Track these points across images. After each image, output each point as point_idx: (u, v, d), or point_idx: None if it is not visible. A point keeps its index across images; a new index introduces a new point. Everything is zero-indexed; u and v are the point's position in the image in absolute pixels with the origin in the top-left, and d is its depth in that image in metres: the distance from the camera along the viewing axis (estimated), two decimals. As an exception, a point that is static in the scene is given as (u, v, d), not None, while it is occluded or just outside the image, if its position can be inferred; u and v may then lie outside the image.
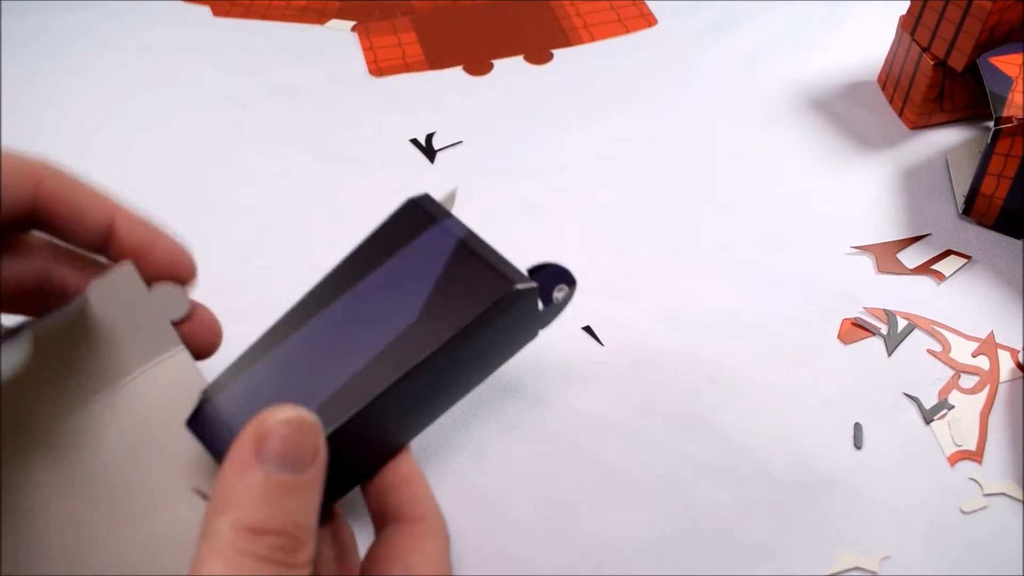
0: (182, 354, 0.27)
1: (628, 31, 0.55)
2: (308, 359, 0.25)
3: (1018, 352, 0.36)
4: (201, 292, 0.40)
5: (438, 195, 0.29)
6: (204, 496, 0.25)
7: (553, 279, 0.29)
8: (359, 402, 0.24)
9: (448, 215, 0.28)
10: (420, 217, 0.28)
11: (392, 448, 0.27)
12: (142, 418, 0.25)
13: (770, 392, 0.35)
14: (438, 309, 0.25)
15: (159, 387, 0.26)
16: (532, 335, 0.29)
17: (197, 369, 0.27)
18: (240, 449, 0.21)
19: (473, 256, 0.26)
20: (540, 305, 0.28)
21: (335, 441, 0.24)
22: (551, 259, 0.29)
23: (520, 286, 0.26)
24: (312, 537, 0.22)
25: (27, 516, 0.23)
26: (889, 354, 0.36)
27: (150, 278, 0.27)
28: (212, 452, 0.25)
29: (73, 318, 0.25)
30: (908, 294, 0.39)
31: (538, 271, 0.29)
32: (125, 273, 0.26)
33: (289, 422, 0.22)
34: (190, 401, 0.25)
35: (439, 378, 0.26)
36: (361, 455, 0.26)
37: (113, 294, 0.26)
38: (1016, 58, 0.41)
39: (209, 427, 0.25)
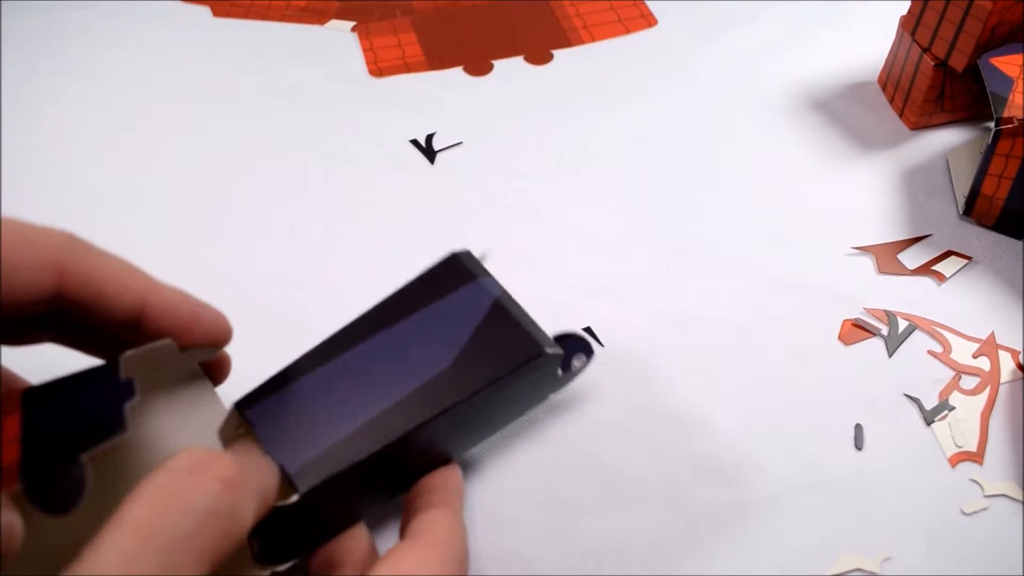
0: (211, 395, 0.27)
1: (628, 31, 0.55)
2: (341, 388, 0.26)
3: (1019, 353, 0.36)
4: (201, 292, 0.39)
5: (476, 252, 0.31)
6: None
7: (574, 348, 0.31)
8: (389, 436, 0.26)
9: (486, 274, 0.30)
10: (461, 271, 0.29)
11: (408, 478, 0.28)
12: (168, 450, 0.25)
13: (770, 392, 0.35)
14: (471, 360, 0.27)
15: (187, 425, 0.26)
16: (543, 398, 0.31)
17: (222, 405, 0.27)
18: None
19: (507, 316, 0.28)
20: (559, 372, 0.30)
21: (363, 468, 0.25)
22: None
23: (549, 351, 0.28)
24: (235, 468, 0.22)
25: (48, 551, 0.23)
26: (890, 355, 0.36)
27: (185, 347, 0.26)
28: None
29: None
30: (909, 295, 0.39)
31: (562, 339, 0.30)
32: (164, 348, 0.25)
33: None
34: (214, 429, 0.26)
35: (460, 423, 0.28)
36: (380, 483, 0.28)
37: (149, 365, 0.25)
38: (1017, 58, 0.41)
39: None
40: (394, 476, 0.28)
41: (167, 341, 0.25)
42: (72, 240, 0.24)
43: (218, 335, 0.26)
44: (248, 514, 0.22)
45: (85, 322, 0.25)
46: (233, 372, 0.29)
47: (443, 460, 0.29)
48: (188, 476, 0.21)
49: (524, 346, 0.28)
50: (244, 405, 0.26)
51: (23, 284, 0.22)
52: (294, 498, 0.24)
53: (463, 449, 0.31)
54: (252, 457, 0.24)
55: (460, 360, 0.27)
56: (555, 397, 0.35)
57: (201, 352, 0.26)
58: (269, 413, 0.26)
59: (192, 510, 0.20)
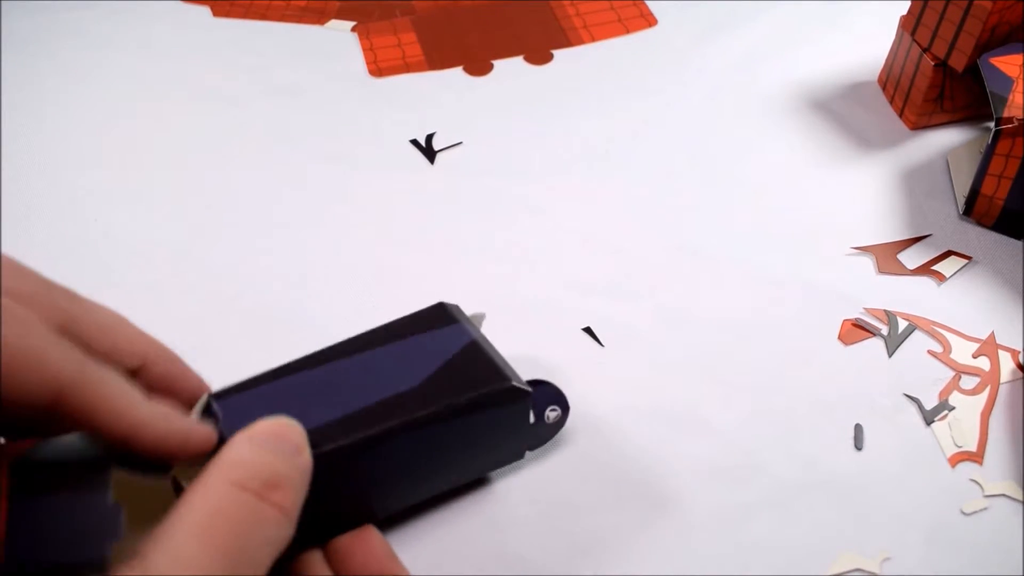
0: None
1: (628, 31, 0.55)
2: (306, 397, 0.27)
3: (1019, 353, 0.36)
4: (201, 292, 0.40)
5: (468, 312, 0.31)
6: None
7: (548, 398, 0.31)
8: (341, 440, 0.26)
9: (469, 322, 0.30)
10: (444, 317, 0.30)
11: (365, 513, 0.29)
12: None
13: (770, 392, 0.35)
14: (438, 384, 0.28)
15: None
16: (519, 453, 0.31)
17: None
18: (234, 437, 0.24)
19: (482, 353, 0.29)
20: (532, 418, 0.30)
21: (316, 470, 0.25)
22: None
23: (516, 384, 0.28)
24: (293, 497, 0.23)
25: None
26: (890, 355, 0.36)
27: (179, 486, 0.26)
28: None
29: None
30: (909, 295, 0.39)
31: (536, 384, 0.30)
32: (159, 485, 0.25)
33: (278, 420, 0.24)
34: None
35: (423, 449, 0.28)
36: (336, 500, 0.27)
37: (138, 490, 0.25)
38: (1017, 58, 0.41)
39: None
40: (356, 497, 0.28)
41: (166, 482, 0.25)
42: (80, 368, 0.23)
43: (200, 456, 0.25)
44: (292, 531, 0.23)
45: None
46: (233, 371, 0.29)
47: (410, 496, 0.30)
48: (258, 501, 0.22)
49: (491, 377, 0.28)
50: (216, 397, 0.27)
51: (17, 400, 0.22)
52: None
53: (432, 488, 0.30)
54: (300, 477, 0.25)
55: (427, 383, 0.28)
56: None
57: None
58: (236, 408, 0.27)
59: (264, 538, 0.22)
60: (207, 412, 0.27)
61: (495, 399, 0.28)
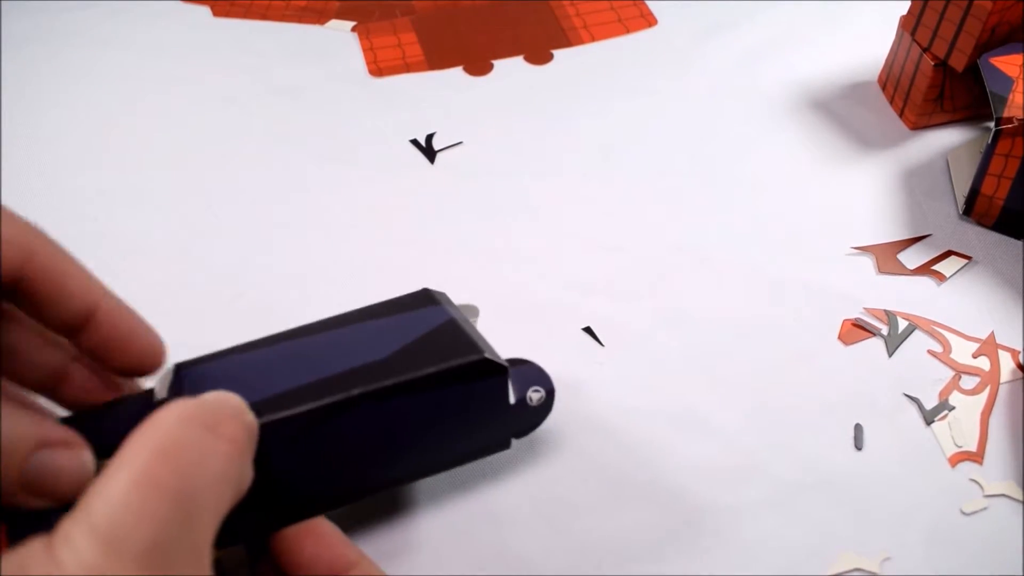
0: None
1: (628, 31, 0.55)
2: (274, 367, 0.26)
3: (1019, 353, 0.36)
4: (201, 292, 0.40)
5: (459, 302, 0.30)
6: None
7: (530, 378, 0.29)
8: (299, 406, 0.25)
9: (452, 307, 0.29)
10: (426, 300, 0.29)
11: (332, 496, 0.27)
12: None
13: (770, 392, 0.35)
14: (407, 357, 0.26)
15: None
16: (504, 442, 0.29)
17: None
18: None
19: (459, 331, 0.27)
20: (512, 398, 0.28)
21: (272, 438, 0.24)
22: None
23: (490, 356, 0.26)
24: (245, 431, 0.22)
25: None
26: (890, 355, 0.36)
27: (120, 369, 0.26)
28: None
29: None
30: (909, 295, 0.39)
31: (516, 362, 0.29)
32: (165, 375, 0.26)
33: (216, 392, 0.23)
34: None
35: (389, 426, 0.26)
36: (296, 479, 0.26)
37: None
38: (1017, 58, 0.41)
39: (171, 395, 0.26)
40: (319, 478, 0.27)
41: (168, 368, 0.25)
42: (42, 232, 0.24)
43: (150, 359, 0.26)
44: (248, 478, 0.22)
45: (32, 312, 0.25)
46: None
47: (383, 482, 0.28)
48: (205, 434, 0.21)
49: (466, 351, 0.26)
50: (182, 368, 0.27)
51: None
52: None
53: (408, 473, 0.28)
54: (249, 424, 0.23)
55: (395, 356, 0.26)
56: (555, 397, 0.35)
57: None
58: (201, 377, 0.26)
59: (215, 475, 0.20)
60: (173, 382, 0.26)
61: (467, 372, 0.26)
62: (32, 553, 0.19)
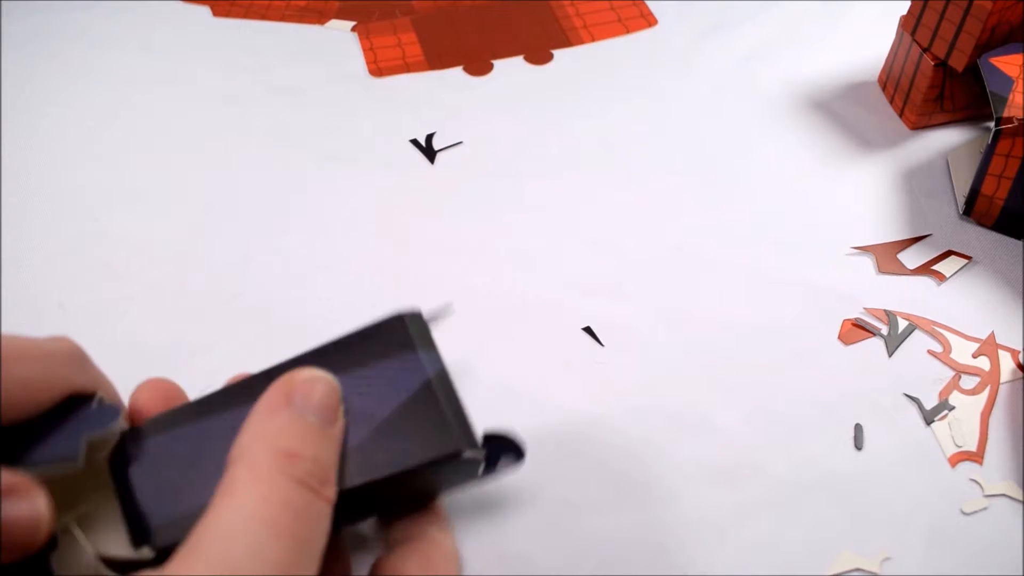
0: None
1: (628, 31, 0.55)
2: (219, 450, 0.24)
3: (1018, 353, 0.36)
4: (201, 292, 0.40)
5: (431, 306, 0.28)
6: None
7: (502, 449, 0.28)
8: None
9: (430, 345, 0.27)
10: (402, 338, 0.26)
11: None
12: None
13: (770, 392, 0.35)
14: (381, 442, 0.25)
15: None
16: (460, 490, 0.29)
17: None
18: (268, 399, 0.23)
19: (434, 402, 0.25)
20: (481, 471, 0.27)
21: None
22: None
23: (467, 454, 0.25)
24: (333, 487, 0.23)
25: None
26: (890, 355, 0.36)
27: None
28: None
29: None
30: (909, 295, 0.39)
31: (492, 440, 0.27)
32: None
33: (315, 378, 0.24)
34: None
35: (356, 502, 0.25)
36: None
37: None
38: (1016, 58, 0.41)
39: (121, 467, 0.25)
40: None
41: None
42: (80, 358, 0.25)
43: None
44: None
45: None
46: (233, 371, 0.29)
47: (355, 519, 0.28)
48: (315, 498, 0.22)
49: (443, 442, 0.25)
50: (131, 437, 0.25)
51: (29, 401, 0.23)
52: (146, 551, 0.23)
53: (363, 519, 0.29)
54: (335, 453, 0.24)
55: (368, 442, 0.25)
56: (555, 397, 0.35)
57: None
58: (152, 453, 0.25)
59: (321, 532, 0.22)
60: (115, 455, 0.25)
61: (443, 464, 0.25)
62: None
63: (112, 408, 0.25)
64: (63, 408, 0.24)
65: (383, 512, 0.27)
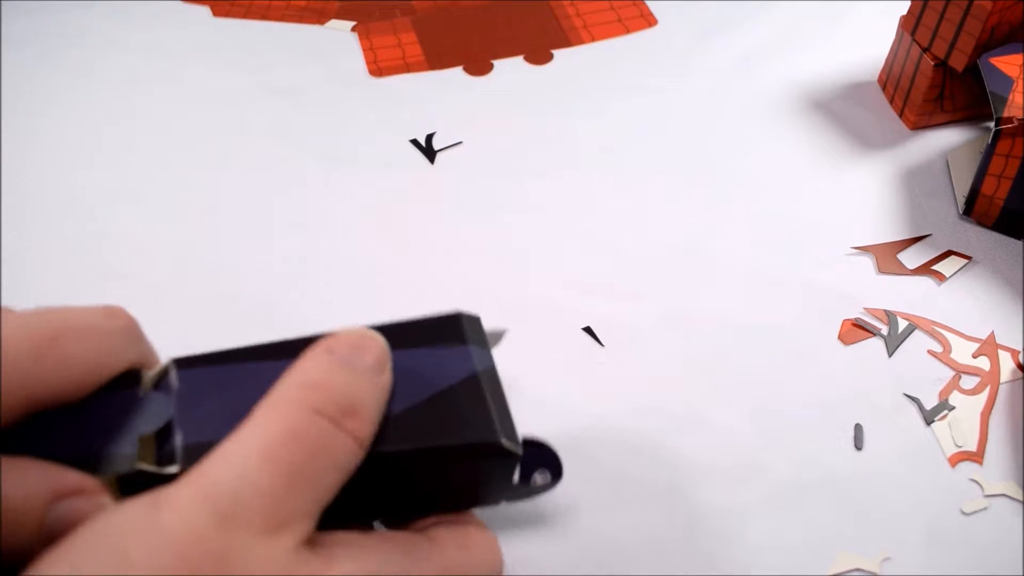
0: None
1: (628, 31, 0.55)
2: (265, 387, 0.24)
3: (1018, 353, 0.36)
4: (201, 292, 0.40)
5: (489, 325, 0.28)
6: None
7: (541, 460, 0.28)
8: None
9: (483, 344, 0.27)
10: (456, 333, 0.27)
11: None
12: None
13: (770, 392, 0.35)
14: (420, 417, 0.25)
15: None
16: (494, 502, 0.28)
17: None
18: (311, 349, 0.23)
19: (479, 393, 0.25)
20: (516, 478, 0.27)
21: None
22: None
23: (505, 443, 0.25)
24: (370, 427, 0.22)
25: None
26: (889, 355, 0.36)
27: None
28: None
29: None
30: (908, 295, 0.39)
31: (531, 445, 0.27)
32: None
33: (362, 333, 0.24)
34: None
35: (381, 482, 0.25)
36: None
37: None
38: (1017, 58, 0.41)
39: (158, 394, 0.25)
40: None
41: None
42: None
43: None
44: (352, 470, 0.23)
45: None
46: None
47: (372, 517, 0.27)
48: (333, 428, 0.21)
49: (481, 428, 0.25)
50: (180, 364, 0.25)
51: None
52: (173, 469, 0.23)
53: (383, 514, 0.27)
54: (379, 399, 0.24)
55: (407, 413, 0.24)
56: (555, 397, 0.35)
57: None
58: (195, 385, 0.24)
59: (331, 464, 0.21)
60: (161, 379, 0.25)
61: (476, 452, 0.25)
62: (133, 511, 0.19)
63: (163, 401, 0.24)
64: (113, 387, 0.24)
65: (413, 508, 0.27)
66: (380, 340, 0.24)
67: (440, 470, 0.25)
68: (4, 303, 0.39)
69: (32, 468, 0.21)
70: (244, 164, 0.46)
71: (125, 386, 0.24)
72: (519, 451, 0.25)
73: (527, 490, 0.28)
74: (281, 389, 0.22)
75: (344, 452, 0.22)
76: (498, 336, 0.29)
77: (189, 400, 0.24)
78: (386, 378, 0.24)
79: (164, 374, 0.25)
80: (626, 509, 0.31)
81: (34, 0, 0.57)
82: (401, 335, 0.26)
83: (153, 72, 0.52)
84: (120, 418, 0.23)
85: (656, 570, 0.30)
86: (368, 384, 0.23)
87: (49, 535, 0.20)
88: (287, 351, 0.25)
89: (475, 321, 0.27)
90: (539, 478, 0.28)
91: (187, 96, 0.50)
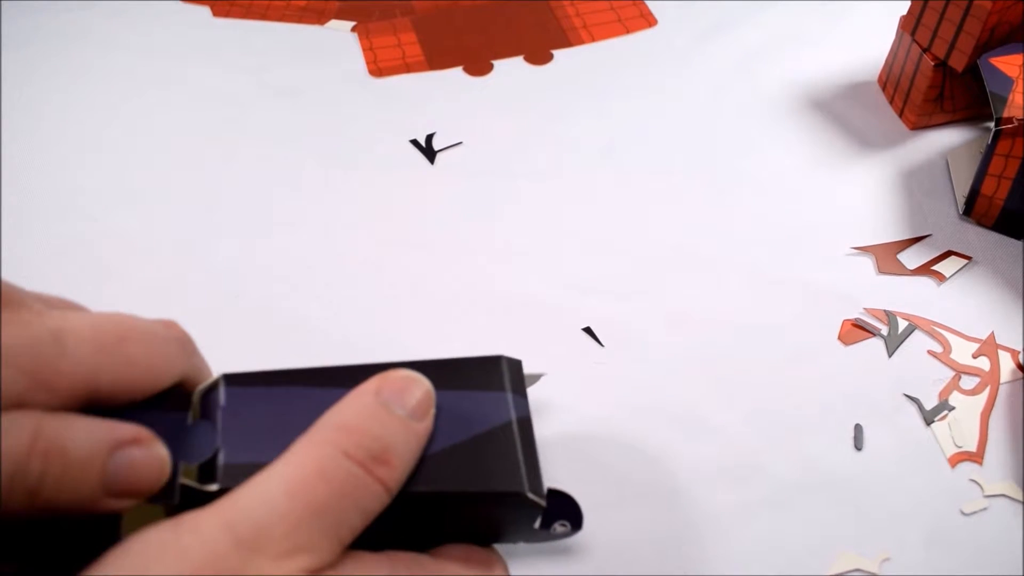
0: None
1: (628, 31, 0.55)
2: (311, 415, 0.25)
3: (1018, 353, 0.36)
4: (201, 292, 0.40)
5: (527, 370, 0.29)
6: None
7: (562, 510, 0.28)
8: None
9: (522, 393, 0.28)
10: (495, 378, 0.27)
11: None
12: None
13: (770, 392, 0.35)
14: (453, 460, 0.25)
15: None
16: (511, 541, 0.29)
17: None
18: (359, 387, 0.24)
19: (511, 441, 0.26)
20: (537, 524, 0.27)
21: None
22: (563, 487, 0.29)
23: (531, 496, 0.25)
24: (400, 474, 0.23)
25: None
26: (889, 355, 0.36)
27: None
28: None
29: None
30: (908, 295, 0.39)
31: (555, 495, 0.28)
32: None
33: (410, 377, 0.25)
34: None
35: (407, 519, 0.26)
36: None
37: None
38: (1016, 58, 0.41)
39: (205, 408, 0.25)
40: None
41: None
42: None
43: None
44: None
45: None
46: (232, 370, 0.29)
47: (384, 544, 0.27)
48: (363, 473, 0.22)
49: (509, 478, 0.25)
50: (231, 381, 0.25)
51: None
52: (213, 487, 0.23)
53: (403, 545, 0.27)
54: (414, 447, 0.24)
55: (440, 456, 0.25)
56: (555, 397, 0.35)
57: None
58: (245, 405, 0.25)
59: (358, 508, 0.22)
60: (210, 392, 0.25)
61: (501, 500, 0.25)
62: (158, 534, 0.20)
63: (209, 434, 0.24)
64: (163, 401, 0.24)
65: (431, 542, 0.27)
66: (427, 386, 0.25)
67: (464, 512, 0.26)
68: (4, 303, 0.39)
69: (88, 421, 0.22)
70: (244, 164, 0.46)
71: (176, 405, 0.25)
72: (543, 504, 0.26)
73: (546, 535, 0.29)
74: (319, 428, 0.23)
75: (370, 497, 0.22)
76: (535, 378, 0.29)
77: (236, 418, 0.25)
78: (426, 425, 0.24)
79: (214, 387, 0.25)
80: (626, 509, 0.31)
81: (34, 0, 0.57)
82: (443, 375, 0.27)
83: (153, 72, 0.52)
84: (168, 442, 0.23)
85: (656, 570, 0.30)
86: (404, 431, 0.24)
87: (110, 484, 0.21)
88: (339, 379, 0.26)
89: (516, 365, 0.28)
90: (559, 528, 0.28)
91: (187, 96, 0.50)
